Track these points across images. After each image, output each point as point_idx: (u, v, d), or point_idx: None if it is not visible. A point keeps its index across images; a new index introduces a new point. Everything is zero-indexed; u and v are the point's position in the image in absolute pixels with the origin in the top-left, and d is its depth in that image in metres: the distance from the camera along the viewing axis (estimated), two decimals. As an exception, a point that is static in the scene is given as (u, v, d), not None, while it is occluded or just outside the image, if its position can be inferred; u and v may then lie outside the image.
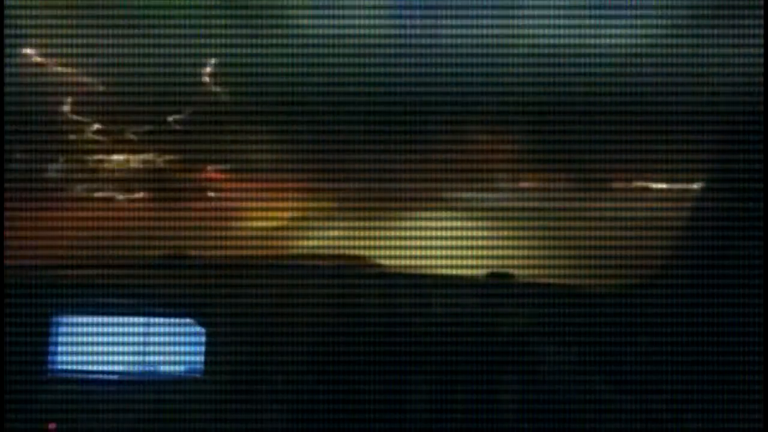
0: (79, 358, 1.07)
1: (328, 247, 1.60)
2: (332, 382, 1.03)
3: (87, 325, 1.08)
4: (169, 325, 1.07)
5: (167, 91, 1.42)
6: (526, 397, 1.00)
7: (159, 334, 1.07)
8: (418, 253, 1.28)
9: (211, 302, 1.11)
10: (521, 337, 1.05)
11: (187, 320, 1.07)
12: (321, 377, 1.03)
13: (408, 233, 1.32)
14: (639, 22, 1.28)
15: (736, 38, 1.01)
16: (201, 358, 1.05)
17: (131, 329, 1.08)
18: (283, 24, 1.37)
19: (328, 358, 1.04)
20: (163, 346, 1.07)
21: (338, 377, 1.03)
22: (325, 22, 1.42)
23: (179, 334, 1.07)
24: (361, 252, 1.41)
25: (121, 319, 1.08)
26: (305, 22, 1.39)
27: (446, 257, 1.30)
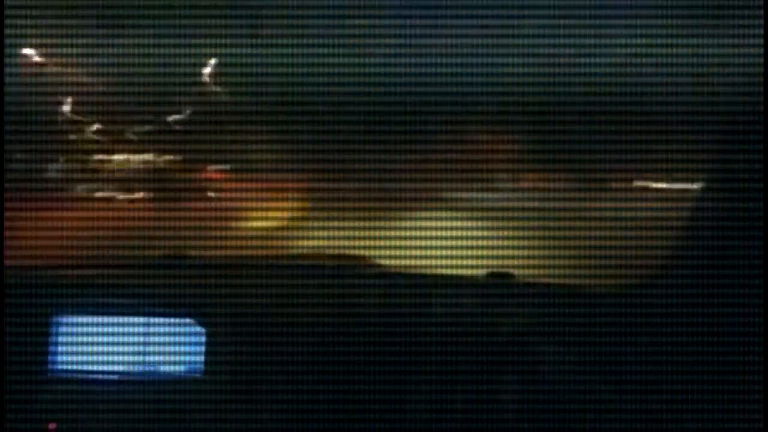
0: (79, 358, 1.07)
1: (328, 247, 1.60)
2: (332, 382, 1.03)
3: (87, 325, 1.08)
4: (169, 325, 1.07)
5: (167, 91, 1.42)
6: (526, 397, 1.00)
7: (159, 334, 1.07)
8: (418, 253, 1.28)
9: (211, 302, 1.11)
10: (521, 337, 1.05)
11: (187, 320, 1.07)
12: (321, 377, 1.03)
13: (408, 233, 1.31)
14: (639, 22, 1.28)
15: (736, 38, 1.01)
16: (201, 358, 1.05)
17: (131, 329, 1.08)
18: (282, 24, 1.37)
19: (328, 358, 1.04)
20: (163, 346, 1.07)
21: (338, 377, 1.03)
22: (325, 22, 1.42)
23: (179, 334, 1.07)
24: (361, 252, 1.41)
25: (121, 319, 1.08)
26: (304, 21, 1.39)
27: (446, 257, 1.30)
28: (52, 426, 1.00)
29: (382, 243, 1.34)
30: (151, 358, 1.06)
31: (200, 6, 1.44)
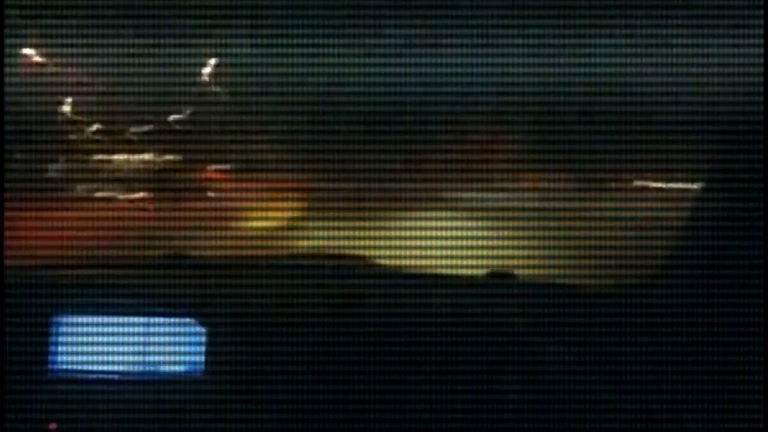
0: (79, 358, 1.07)
1: (328, 247, 1.60)
2: (332, 381, 1.03)
3: (87, 325, 1.08)
4: (170, 325, 1.07)
5: (167, 91, 1.42)
6: (527, 396, 1.00)
7: (159, 334, 1.07)
8: (418, 253, 1.28)
9: (212, 302, 1.11)
10: (522, 336, 1.05)
11: (188, 320, 1.07)
12: (321, 377, 1.03)
13: (408, 233, 1.32)
14: (639, 21, 1.28)
15: (736, 38, 1.01)
16: (201, 358, 1.05)
17: (131, 329, 1.08)
18: (283, 24, 1.37)
19: (328, 358, 1.04)
20: (163, 346, 1.07)
21: (338, 377, 1.03)
22: (325, 22, 1.42)
23: (179, 334, 1.07)
24: (361, 252, 1.41)
25: (121, 319, 1.08)
26: (305, 22, 1.39)
27: (446, 257, 1.30)
28: (52, 426, 1.00)
29: (382, 243, 1.35)
30: (151, 358, 1.06)
31: (200, 6, 1.44)
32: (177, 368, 1.06)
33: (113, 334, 1.07)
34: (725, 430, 0.88)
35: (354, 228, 1.45)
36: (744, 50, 0.99)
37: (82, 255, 1.42)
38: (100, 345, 1.07)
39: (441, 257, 1.28)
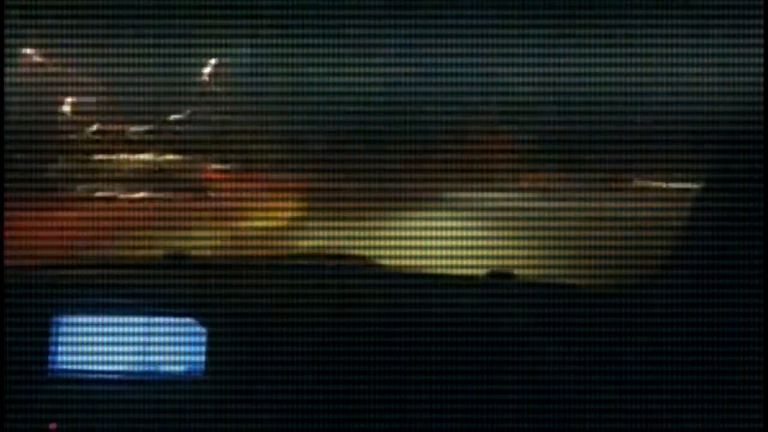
0: (79, 358, 1.07)
1: (328, 247, 1.60)
2: (333, 381, 1.03)
3: (87, 325, 1.08)
4: (170, 325, 1.07)
5: (167, 91, 1.42)
6: (526, 396, 1.00)
7: (159, 334, 1.07)
8: (418, 253, 1.28)
9: (212, 302, 1.11)
10: (521, 336, 1.05)
11: (188, 320, 1.07)
12: (321, 377, 1.03)
13: (408, 233, 1.31)
14: (639, 21, 1.28)
15: (736, 38, 1.01)
16: (201, 358, 1.05)
17: (131, 329, 1.08)
18: (283, 24, 1.37)
19: (328, 358, 1.04)
20: (163, 346, 1.07)
21: (339, 377, 1.03)
22: (324, 22, 1.42)
23: (179, 334, 1.07)
24: (361, 252, 1.41)
25: (121, 319, 1.08)
26: (305, 22, 1.39)
27: (446, 257, 1.30)
28: (52, 426, 1.00)
29: (382, 243, 1.34)
30: (152, 358, 1.06)
31: (201, 6, 1.44)
32: (177, 368, 1.06)
33: (113, 334, 1.07)
34: (725, 430, 0.88)
35: (354, 228, 1.45)
36: (744, 50, 0.99)
37: (82, 255, 1.42)
38: (100, 345, 1.07)
39: (441, 257, 1.28)
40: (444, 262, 1.29)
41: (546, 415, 0.99)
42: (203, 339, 1.05)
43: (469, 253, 1.33)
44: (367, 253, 1.40)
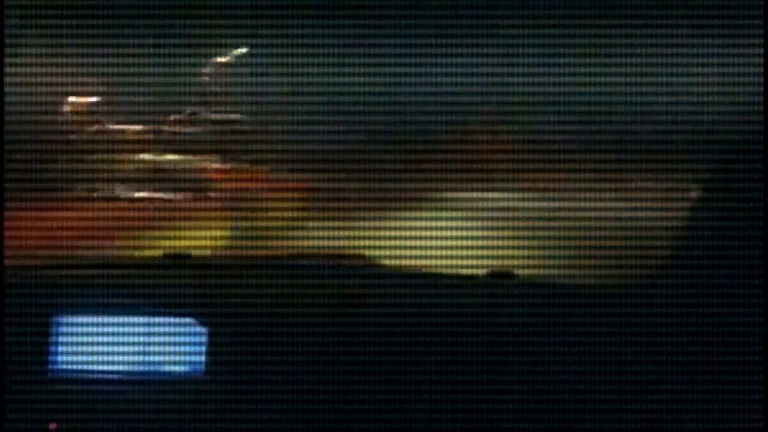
0: (79, 358, 1.07)
1: (328, 247, 1.60)
2: (333, 381, 1.03)
3: (87, 325, 1.08)
4: (170, 325, 1.07)
5: (168, 91, 1.42)
6: (526, 396, 1.00)
7: (159, 334, 1.07)
8: (418, 252, 1.28)
9: (212, 302, 1.11)
10: (521, 336, 1.05)
11: (188, 320, 1.07)
12: (321, 377, 1.03)
13: (408, 233, 1.31)
14: (640, 23, 1.28)
15: (736, 39, 1.01)
16: (201, 358, 1.05)
17: (131, 329, 1.07)
18: (283, 24, 1.37)
19: (328, 358, 1.04)
20: (163, 346, 1.06)
21: (339, 377, 1.03)
22: (325, 22, 1.42)
23: (179, 334, 1.07)
24: (361, 252, 1.41)
25: (121, 319, 1.08)
26: (305, 22, 1.39)
27: (446, 257, 1.30)
28: (52, 426, 1.00)
29: (382, 243, 1.34)
30: (152, 358, 1.06)
31: (201, 6, 1.44)
32: (177, 368, 1.06)
33: (113, 334, 1.07)
34: (725, 430, 0.88)
35: (354, 228, 1.45)
36: (744, 51, 0.99)
37: (82, 255, 1.42)
38: (100, 345, 1.07)
39: (441, 257, 1.28)
40: (444, 262, 1.29)
41: (546, 415, 0.99)
42: (203, 339, 1.05)
43: (469, 253, 1.33)
44: (367, 253, 1.40)
